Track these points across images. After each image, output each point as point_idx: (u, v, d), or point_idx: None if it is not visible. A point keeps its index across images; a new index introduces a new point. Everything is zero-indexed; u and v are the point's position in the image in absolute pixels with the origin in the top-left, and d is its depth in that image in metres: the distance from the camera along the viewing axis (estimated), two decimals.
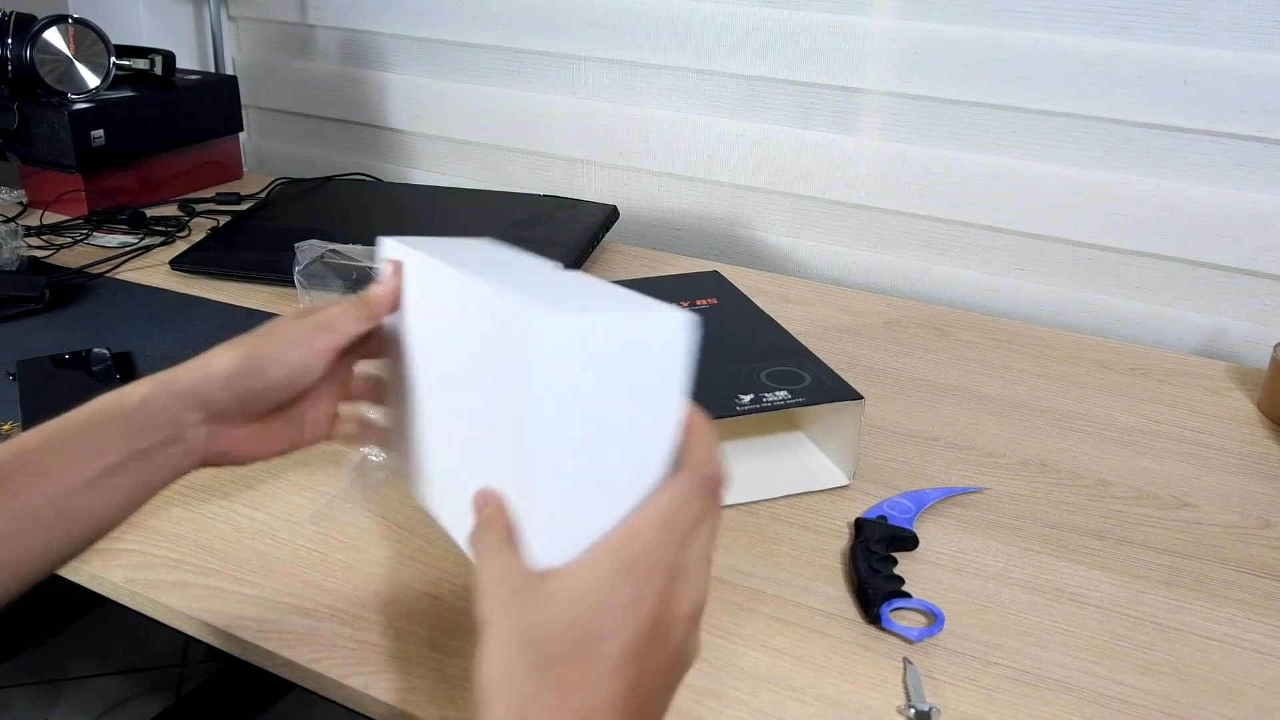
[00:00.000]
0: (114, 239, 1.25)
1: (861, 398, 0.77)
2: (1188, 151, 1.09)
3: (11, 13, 1.24)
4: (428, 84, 1.52)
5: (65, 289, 1.10)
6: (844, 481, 0.80)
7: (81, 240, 1.24)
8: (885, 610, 0.65)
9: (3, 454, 0.51)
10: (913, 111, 1.21)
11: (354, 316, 0.57)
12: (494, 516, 0.44)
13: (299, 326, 0.56)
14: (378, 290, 0.58)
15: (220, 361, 0.54)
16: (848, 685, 0.61)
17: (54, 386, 0.88)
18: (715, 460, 0.44)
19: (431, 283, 0.55)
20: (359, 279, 1.00)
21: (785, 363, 0.82)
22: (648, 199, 1.41)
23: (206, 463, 0.56)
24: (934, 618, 0.66)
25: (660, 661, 0.41)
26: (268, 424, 0.57)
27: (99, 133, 1.29)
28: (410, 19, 1.49)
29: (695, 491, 0.43)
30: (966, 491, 0.80)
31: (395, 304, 0.58)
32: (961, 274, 1.24)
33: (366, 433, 0.62)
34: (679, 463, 0.44)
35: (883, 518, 0.74)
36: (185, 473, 0.55)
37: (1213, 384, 0.99)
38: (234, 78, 1.48)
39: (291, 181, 1.43)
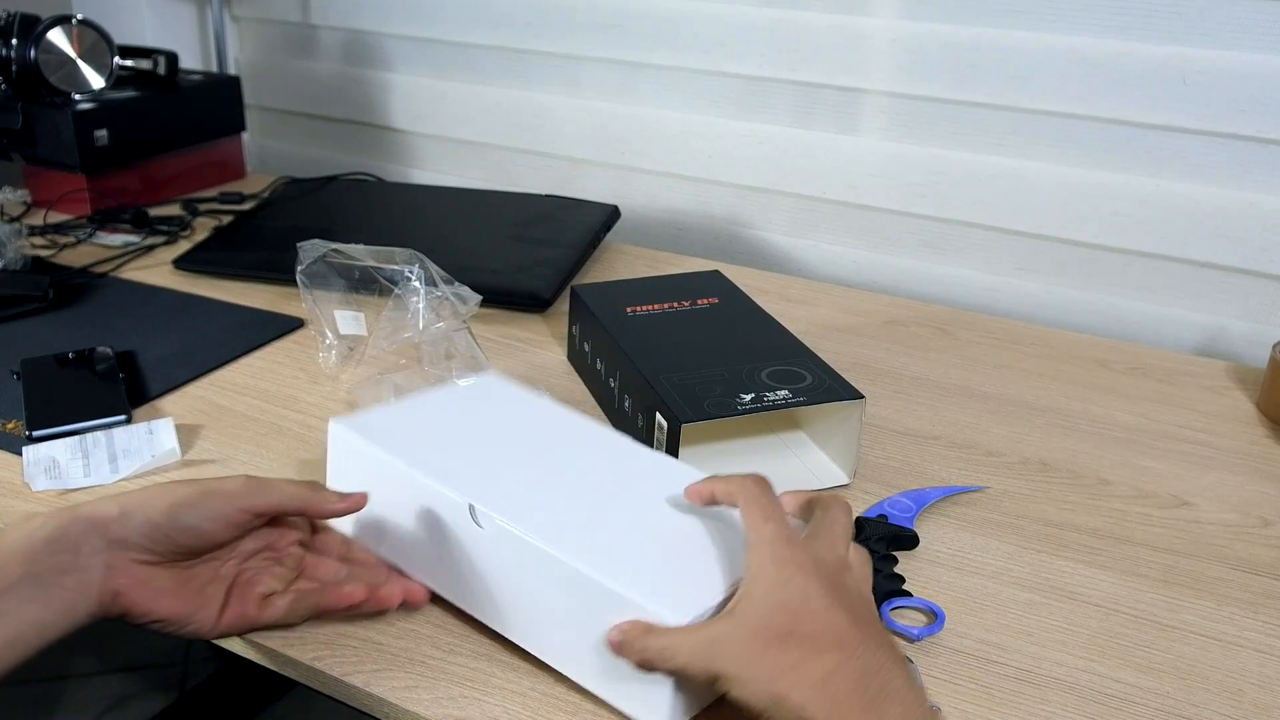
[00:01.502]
0: (117, 238, 1.25)
1: (862, 397, 0.77)
2: (1188, 152, 1.09)
3: (16, 13, 1.25)
4: (430, 84, 1.52)
5: (69, 288, 1.10)
6: (844, 480, 0.80)
7: (85, 240, 1.25)
8: (886, 609, 0.65)
9: None
10: (914, 112, 1.21)
11: (298, 499, 0.58)
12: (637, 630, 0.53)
13: (236, 480, 0.57)
14: (334, 503, 0.60)
15: (140, 496, 0.55)
16: None
17: (58, 385, 0.89)
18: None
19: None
20: (361, 278, 1.00)
21: (786, 362, 0.82)
22: (649, 199, 1.41)
23: (102, 605, 0.54)
24: (934, 616, 0.66)
25: (852, 590, 0.52)
26: (170, 575, 0.56)
27: (102, 133, 1.29)
28: (412, 19, 1.50)
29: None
30: (967, 490, 0.80)
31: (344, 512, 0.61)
32: (962, 274, 1.25)
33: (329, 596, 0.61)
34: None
35: (883, 516, 0.74)
36: (80, 619, 0.54)
37: (1212, 383, 0.99)
38: (237, 78, 1.48)
39: (294, 181, 1.43)
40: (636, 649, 0.52)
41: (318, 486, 0.60)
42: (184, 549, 0.56)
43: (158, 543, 0.55)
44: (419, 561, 0.64)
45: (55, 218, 1.30)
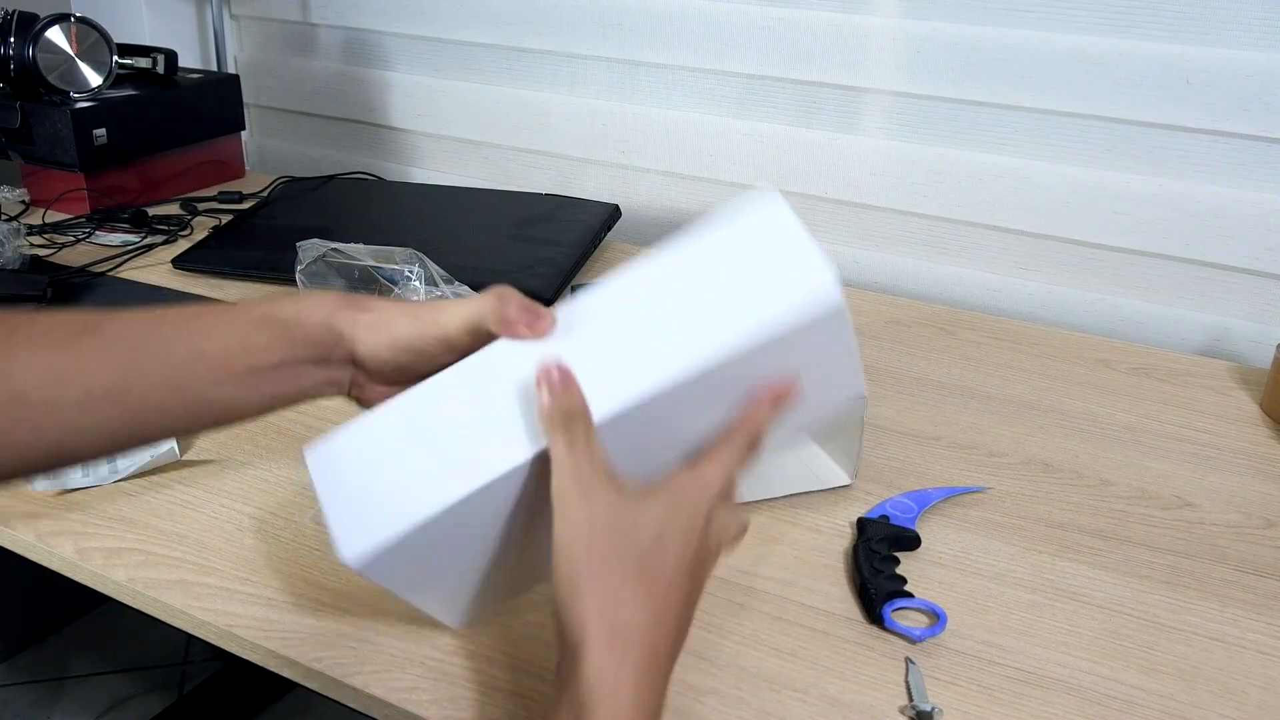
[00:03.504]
0: (116, 238, 1.25)
1: (864, 397, 0.77)
2: (1191, 151, 1.09)
3: (14, 11, 1.24)
4: (429, 83, 1.52)
5: (67, 288, 1.10)
6: (846, 481, 0.80)
7: (84, 239, 1.24)
8: (887, 610, 0.65)
9: (168, 325, 0.53)
10: (915, 111, 1.21)
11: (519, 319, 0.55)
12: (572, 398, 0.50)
13: (458, 307, 0.56)
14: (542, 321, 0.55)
15: (399, 328, 0.55)
16: (850, 685, 0.61)
17: None
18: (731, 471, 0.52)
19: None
20: (361, 278, 1.00)
21: None
22: (650, 198, 1.41)
23: (347, 395, 0.58)
24: (936, 617, 0.66)
25: (700, 579, 0.50)
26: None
27: (101, 131, 1.29)
28: (412, 18, 1.49)
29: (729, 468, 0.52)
30: (969, 491, 0.80)
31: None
32: (964, 273, 1.24)
33: None
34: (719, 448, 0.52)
35: (885, 517, 0.74)
36: (319, 396, 0.56)
37: (1215, 384, 0.99)
38: (236, 76, 1.48)
39: (293, 180, 1.43)
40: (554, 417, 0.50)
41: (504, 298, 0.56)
42: (414, 375, 0.56)
43: (403, 376, 0.56)
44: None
45: (54, 217, 1.30)
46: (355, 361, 0.56)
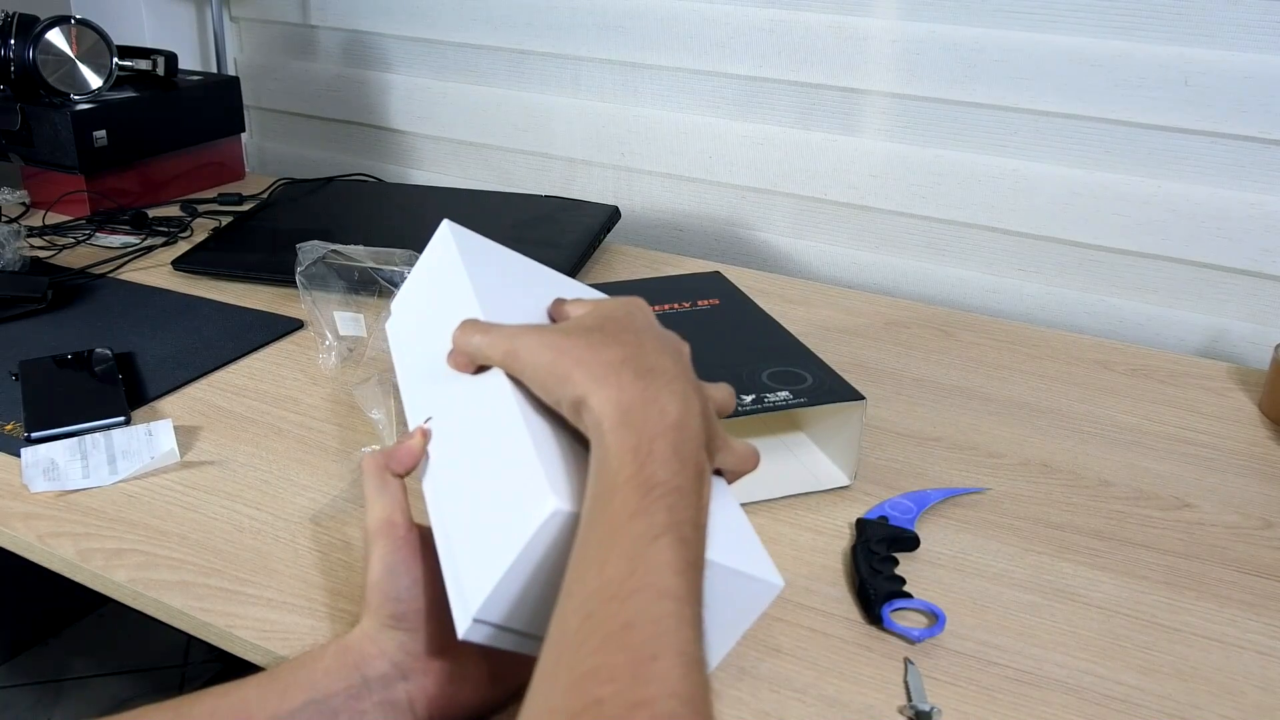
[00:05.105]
0: (116, 239, 1.25)
1: (863, 398, 0.77)
2: (1189, 152, 1.09)
3: (14, 13, 1.24)
4: (429, 85, 1.52)
5: (67, 289, 1.10)
6: (845, 482, 0.80)
7: (84, 241, 1.25)
8: (886, 610, 0.65)
9: (188, 697, 0.49)
10: (914, 112, 1.21)
11: (390, 495, 0.54)
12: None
13: (369, 532, 0.54)
14: (399, 457, 0.55)
15: (371, 618, 0.53)
16: (849, 685, 0.61)
17: (56, 387, 0.88)
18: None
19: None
20: (360, 279, 1.00)
21: (787, 363, 0.82)
22: (649, 200, 1.41)
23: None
24: (935, 618, 0.66)
25: (667, 340, 0.54)
26: (457, 658, 0.53)
27: (101, 133, 1.29)
28: (412, 20, 1.49)
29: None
30: (968, 492, 0.80)
31: (413, 466, 0.56)
32: (963, 275, 1.24)
33: None
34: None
35: (884, 518, 0.74)
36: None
37: (1214, 385, 0.99)
38: (236, 78, 1.48)
39: (293, 182, 1.43)
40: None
41: (381, 471, 0.56)
42: (414, 603, 0.53)
43: (413, 624, 0.52)
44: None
45: (54, 219, 1.30)
46: (393, 663, 0.52)
